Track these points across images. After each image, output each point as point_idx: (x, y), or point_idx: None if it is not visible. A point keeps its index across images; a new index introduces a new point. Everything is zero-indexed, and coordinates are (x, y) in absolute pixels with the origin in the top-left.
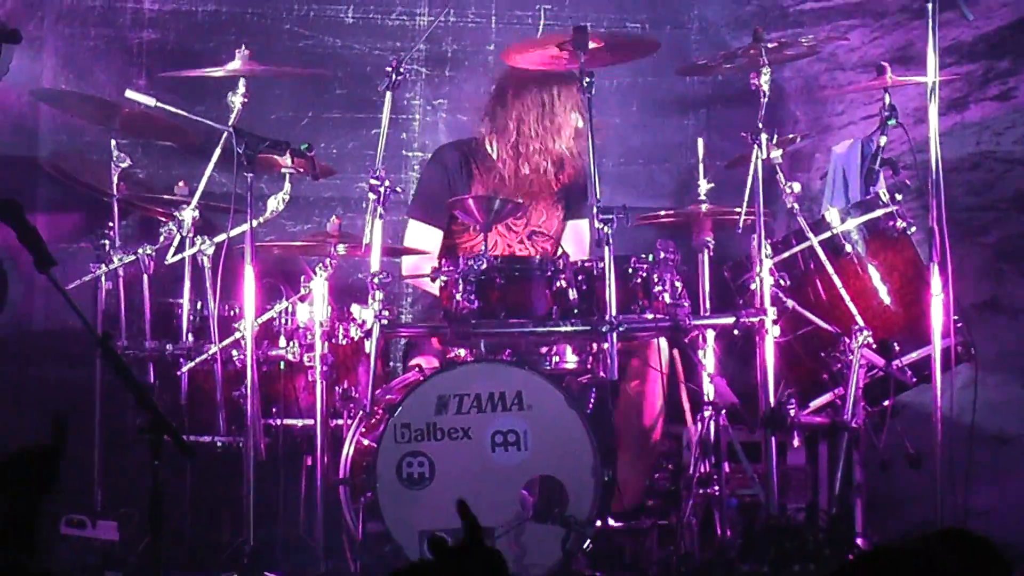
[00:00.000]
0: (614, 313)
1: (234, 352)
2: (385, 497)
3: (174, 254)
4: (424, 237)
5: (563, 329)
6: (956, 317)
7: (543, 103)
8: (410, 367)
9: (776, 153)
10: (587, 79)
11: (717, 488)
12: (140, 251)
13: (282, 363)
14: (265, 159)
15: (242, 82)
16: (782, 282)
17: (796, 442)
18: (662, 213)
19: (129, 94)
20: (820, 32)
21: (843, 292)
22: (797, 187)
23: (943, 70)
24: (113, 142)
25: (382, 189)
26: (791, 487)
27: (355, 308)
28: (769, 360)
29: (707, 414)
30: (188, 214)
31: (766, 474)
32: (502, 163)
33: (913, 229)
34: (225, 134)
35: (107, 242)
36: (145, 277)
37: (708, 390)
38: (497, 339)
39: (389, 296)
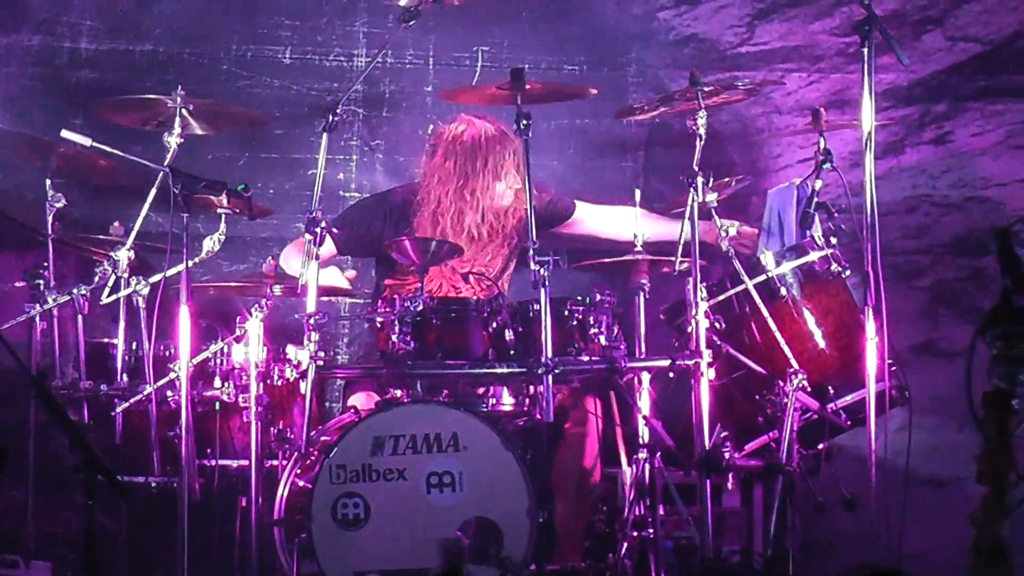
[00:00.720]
0: (550, 355)
1: (169, 392)
2: (320, 538)
3: (109, 294)
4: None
5: (499, 371)
6: (891, 361)
7: (464, 175)
8: (347, 408)
9: (712, 196)
10: (524, 122)
11: (652, 530)
12: (75, 291)
13: (217, 404)
14: (201, 199)
15: (177, 123)
16: (717, 325)
17: (731, 485)
18: (599, 258)
19: (65, 134)
20: (757, 75)
21: (778, 335)
22: (733, 229)
23: (879, 114)
24: (48, 181)
25: (318, 230)
26: (726, 529)
27: (291, 349)
28: (704, 402)
29: (642, 456)
30: (123, 254)
31: (701, 516)
32: (442, 210)
33: (848, 273)
34: (161, 174)
35: (42, 282)
36: (80, 317)
37: (643, 432)
38: (434, 380)
39: (325, 337)
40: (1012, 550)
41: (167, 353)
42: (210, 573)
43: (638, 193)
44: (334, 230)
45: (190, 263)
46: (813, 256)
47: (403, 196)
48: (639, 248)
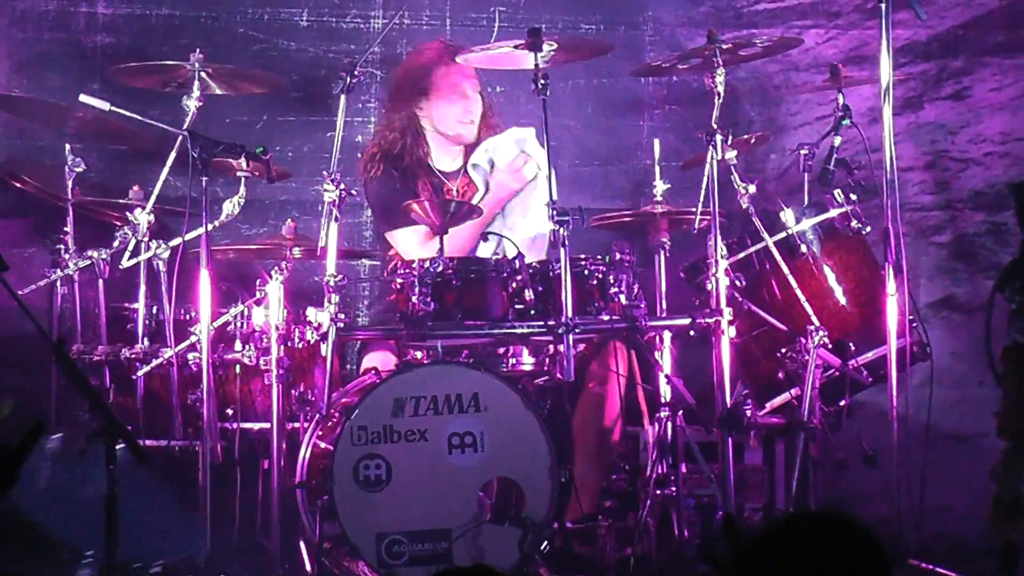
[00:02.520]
0: (570, 315)
1: (190, 356)
2: (342, 499)
3: (129, 258)
4: (414, 236)
5: (519, 331)
6: (911, 316)
7: (409, 115)
8: (365, 369)
9: (731, 154)
10: (542, 81)
11: (674, 489)
12: (95, 255)
13: (238, 367)
14: (220, 163)
15: (196, 86)
16: (738, 283)
17: (753, 442)
18: (618, 214)
19: (83, 98)
20: (774, 33)
21: (798, 292)
22: (752, 188)
23: (897, 70)
24: (67, 146)
25: (338, 192)
26: (748, 487)
27: (311, 311)
28: (725, 361)
29: (664, 415)
30: (143, 218)
31: (723, 474)
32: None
33: (868, 229)
34: (180, 138)
35: (62, 247)
36: (100, 281)
37: (665, 391)
38: (454, 341)
39: (345, 299)
40: None
41: (187, 317)
42: (232, 536)
43: (656, 144)
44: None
45: (210, 226)
46: (833, 213)
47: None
48: (660, 201)
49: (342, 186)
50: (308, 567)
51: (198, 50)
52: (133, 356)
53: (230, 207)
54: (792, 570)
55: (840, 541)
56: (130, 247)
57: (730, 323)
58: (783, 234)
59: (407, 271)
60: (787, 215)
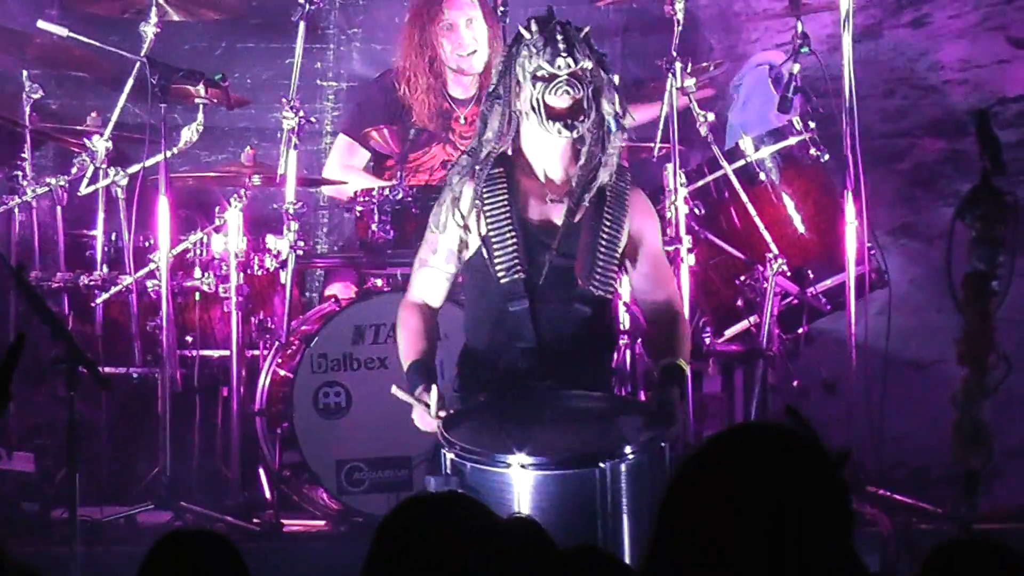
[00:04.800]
0: None
1: (149, 283)
2: (302, 427)
3: (87, 185)
4: (352, 156)
5: None
6: (870, 244)
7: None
8: (326, 297)
9: (690, 82)
10: (501, 8)
11: None
12: (53, 182)
13: (197, 294)
14: (179, 90)
15: (154, 12)
16: (696, 211)
17: (711, 369)
18: None
19: (41, 24)
20: None
21: (757, 220)
22: (711, 116)
23: None
24: (25, 73)
25: (297, 119)
26: (707, 415)
27: (270, 239)
28: (684, 288)
29: (623, 343)
30: (101, 145)
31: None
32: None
33: (827, 157)
34: (138, 64)
35: (19, 173)
36: (58, 208)
37: (624, 319)
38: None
39: (304, 227)
40: (992, 432)
41: (147, 244)
42: (192, 463)
43: (616, 78)
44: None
45: (168, 153)
46: (792, 140)
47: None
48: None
49: (301, 113)
50: (268, 494)
51: None
52: (92, 283)
53: (188, 134)
54: (736, 483)
55: (792, 459)
56: (88, 174)
57: (689, 251)
58: (742, 162)
59: (367, 199)
60: (746, 143)
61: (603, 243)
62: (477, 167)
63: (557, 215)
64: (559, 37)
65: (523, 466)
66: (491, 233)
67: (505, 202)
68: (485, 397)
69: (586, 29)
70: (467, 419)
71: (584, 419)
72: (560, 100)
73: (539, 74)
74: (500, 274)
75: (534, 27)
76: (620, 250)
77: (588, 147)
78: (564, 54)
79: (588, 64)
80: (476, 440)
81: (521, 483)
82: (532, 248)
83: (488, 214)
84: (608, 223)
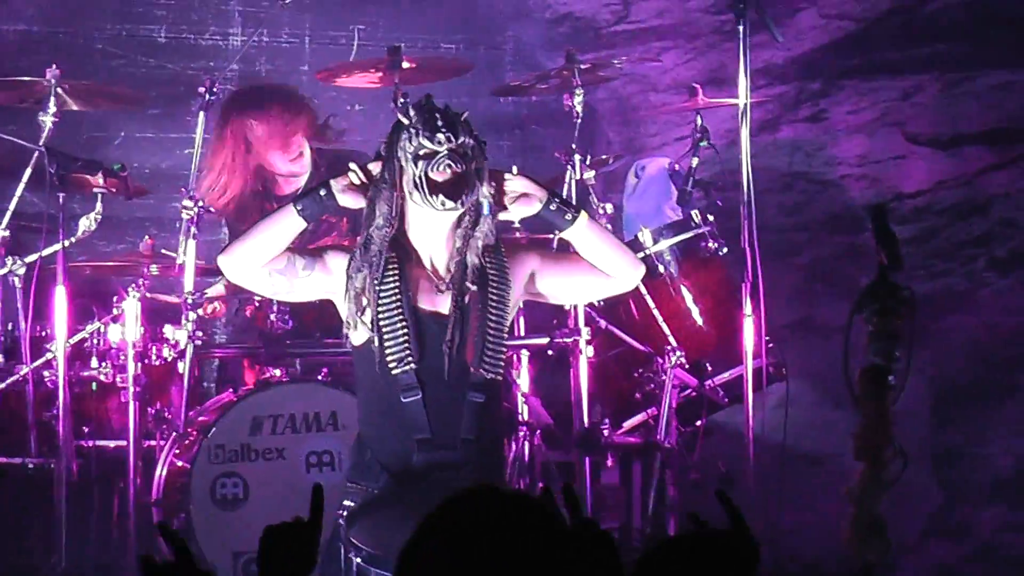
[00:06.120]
0: None
1: (45, 373)
2: (199, 518)
3: None
4: None
5: None
6: (768, 338)
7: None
8: (224, 387)
9: (589, 174)
10: (401, 100)
11: None
12: None
13: (94, 384)
14: (78, 179)
15: (53, 101)
16: (596, 302)
17: (610, 462)
18: None
19: None
20: (633, 53)
21: (656, 313)
22: (610, 208)
23: (755, 91)
24: None
25: (196, 209)
26: (605, 507)
27: (168, 329)
28: (583, 380)
29: (522, 434)
30: None
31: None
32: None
33: (725, 250)
34: (36, 154)
35: None
36: None
37: (523, 410)
38: (312, 359)
39: (202, 317)
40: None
41: (43, 333)
42: (88, 555)
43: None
44: None
45: (66, 243)
46: (690, 234)
47: None
48: (517, 225)
49: (200, 203)
50: None
51: (54, 65)
52: None
53: (87, 223)
54: None
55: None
56: None
57: (588, 343)
58: (641, 254)
59: None
60: (645, 235)
61: (491, 327)
62: (373, 259)
63: (444, 304)
64: (437, 115)
65: None
66: (382, 323)
67: (396, 291)
68: (381, 490)
69: (465, 113)
70: (367, 516)
71: None
72: (442, 175)
73: (421, 152)
74: (391, 365)
75: (412, 112)
76: (508, 326)
77: (464, 228)
78: (444, 130)
79: (469, 141)
80: (381, 543)
81: None
82: (423, 338)
83: (380, 303)
84: (493, 304)
